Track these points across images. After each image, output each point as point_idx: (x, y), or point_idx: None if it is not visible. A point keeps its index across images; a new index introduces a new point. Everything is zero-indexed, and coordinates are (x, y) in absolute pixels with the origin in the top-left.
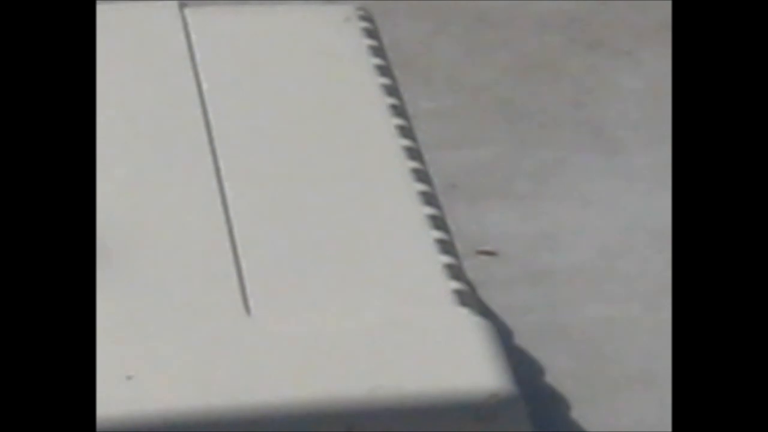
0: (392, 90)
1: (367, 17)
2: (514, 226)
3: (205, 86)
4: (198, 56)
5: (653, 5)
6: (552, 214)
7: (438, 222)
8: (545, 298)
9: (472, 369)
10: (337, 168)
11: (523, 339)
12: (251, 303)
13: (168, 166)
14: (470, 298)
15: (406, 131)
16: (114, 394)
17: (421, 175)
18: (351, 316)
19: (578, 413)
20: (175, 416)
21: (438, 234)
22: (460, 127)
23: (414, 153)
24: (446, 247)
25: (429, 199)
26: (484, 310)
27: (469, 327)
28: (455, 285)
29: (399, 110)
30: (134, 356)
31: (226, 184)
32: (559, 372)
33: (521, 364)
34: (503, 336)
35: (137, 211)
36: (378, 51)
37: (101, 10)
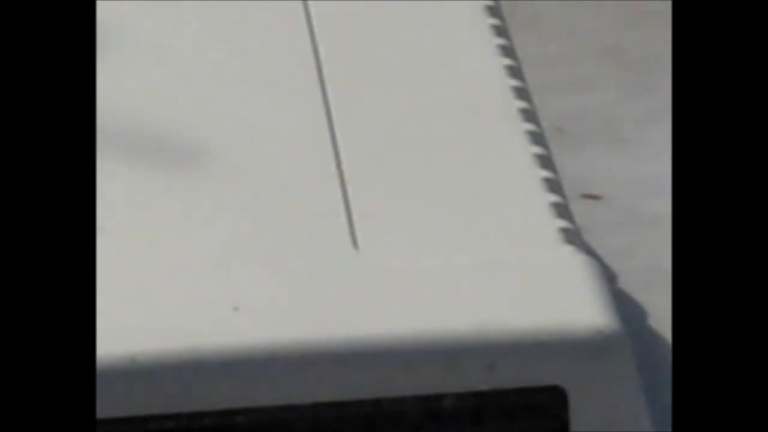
0: (502, 31)
1: None
2: (619, 171)
3: (316, 23)
4: None
5: None
6: (657, 159)
7: (545, 161)
8: (649, 242)
9: (577, 306)
10: (445, 105)
11: (627, 282)
12: (359, 238)
13: (279, 101)
14: (576, 237)
15: (515, 71)
16: (220, 324)
17: (530, 115)
18: (457, 252)
19: None
20: (281, 348)
21: (545, 173)
22: (566, 72)
23: (522, 93)
24: (553, 186)
25: (537, 138)
26: (589, 251)
27: (575, 265)
28: (562, 223)
29: (508, 51)
30: (241, 288)
31: (336, 119)
32: (663, 316)
33: (625, 307)
34: (608, 279)
35: (248, 144)
36: None
37: None
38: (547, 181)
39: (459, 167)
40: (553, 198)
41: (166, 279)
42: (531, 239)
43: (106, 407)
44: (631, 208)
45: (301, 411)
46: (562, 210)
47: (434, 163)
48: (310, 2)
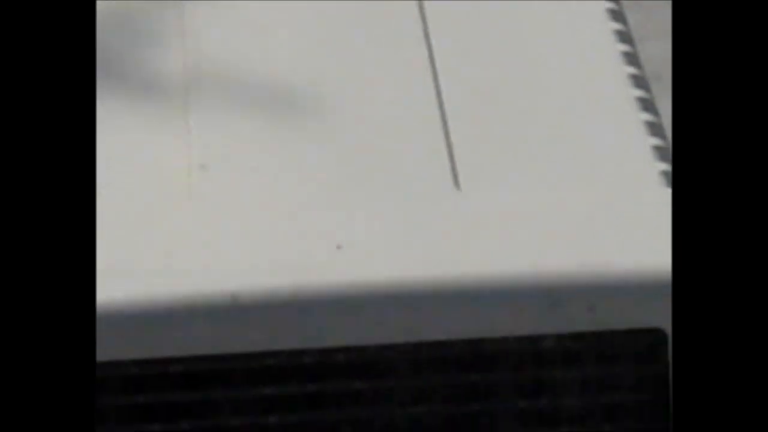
0: None
1: None
2: None
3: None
4: None
5: None
6: None
7: (647, 105)
8: None
9: None
10: (548, 50)
11: None
12: (460, 178)
13: (386, 50)
14: None
15: (616, 15)
16: (324, 262)
17: (632, 59)
18: (559, 194)
19: None
20: (383, 287)
21: (647, 116)
22: (665, 19)
23: (624, 36)
24: (655, 129)
25: (639, 82)
26: None
27: None
28: (663, 166)
29: None
30: (345, 226)
31: (438, 63)
32: None
33: None
34: None
35: (357, 93)
36: None
37: None
38: (649, 124)
39: (562, 110)
40: (655, 141)
41: (270, 217)
42: (633, 182)
43: (207, 344)
44: None
45: (401, 350)
46: (663, 153)
47: (537, 106)
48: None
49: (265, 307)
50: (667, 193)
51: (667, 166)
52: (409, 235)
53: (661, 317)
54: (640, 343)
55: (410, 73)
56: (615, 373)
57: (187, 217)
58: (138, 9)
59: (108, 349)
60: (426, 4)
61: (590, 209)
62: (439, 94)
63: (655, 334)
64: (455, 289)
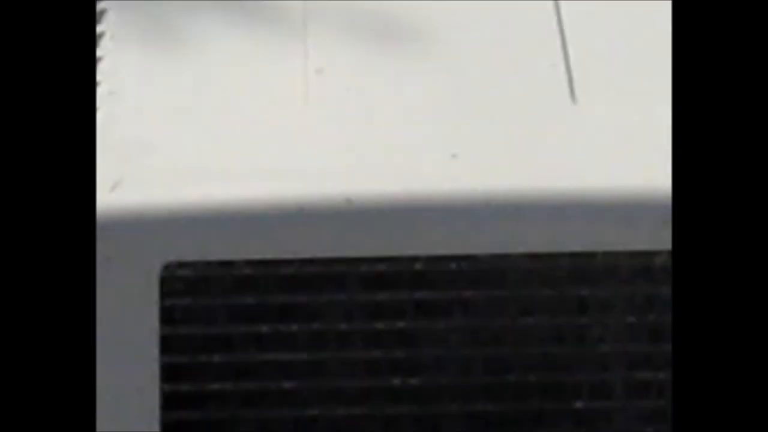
0: None
1: None
2: None
3: None
4: None
5: None
6: None
7: None
8: None
9: None
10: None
11: None
12: (577, 91)
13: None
14: None
15: None
16: (439, 170)
17: None
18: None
19: None
20: (497, 196)
21: None
22: None
23: None
24: None
25: None
26: None
27: None
28: None
29: None
30: (460, 136)
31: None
32: None
33: None
34: None
35: (473, 7)
36: None
37: None
38: None
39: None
40: None
41: (385, 123)
42: None
43: (319, 247)
44: None
45: (513, 260)
46: None
47: (650, 25)
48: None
49: (378, 213)
50: None
51: None
52: (524, 146)
53: None
54: None
55: (534, 6)
56: None
57: (302, 121)
58: None
59: (220, 249)
60: None
61: None
62: (558, 8)
63: None
64: (568, 201)
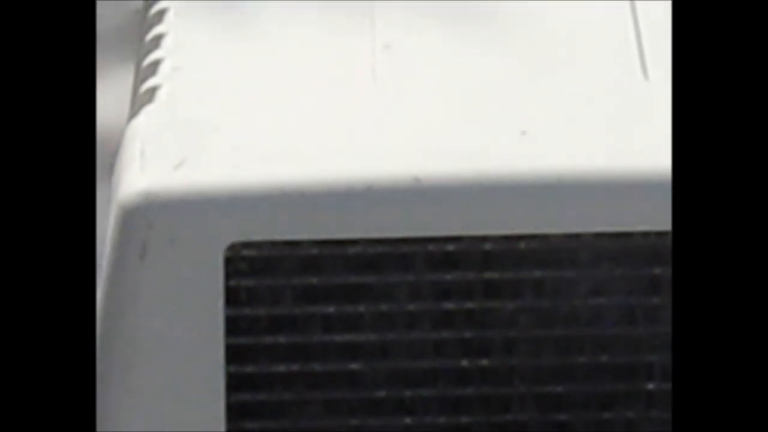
0: None
1: None
2: None
3: None
4: None
5: None
6: None
7: None
8: None
9: None
10: None
11: None
12: (649, 68)
13: None
14: None
15: None
16: (508, 148)
17: None
18: None
19: None
20: (566, 175)
21: None
22: None
23: None
24: None
25: None
26: None
27: None
28: None
29: None
30: (529, 113)
31: None
32: None
33: None
34: None
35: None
36: None
37: None
38: None
39: None
40: None
41: (454, 100)
42: None
43: (386, 226)
44: None
45: (584, 239)
46: None
47: None
48: None
49: (447, 192)
50: None
51: None
52: (595, 123)
53: None
54: None
55: None
56: None
57: (370, 98)
58: None
59: (285, 228)
60: None
61: None
62: None
63: None
64: (640, 180)
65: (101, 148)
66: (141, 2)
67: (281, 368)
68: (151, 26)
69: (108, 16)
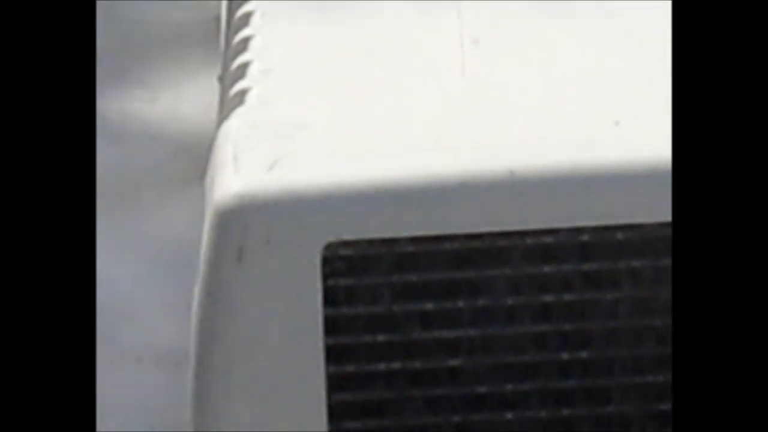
0: None
1: None
2: None
3: None
4: None
5: None
6: None
7: None
8: None
9: None
10: None
11: None
12: None
13: None
14: None
15: None
16: (602, 139)
17: None
18: None
19: None
20: (661, 162)
21: None
22: None
23: None
24: None
25: None
26: None
27: None
28: None
29: None
30: (622, 103)
31: None
32: None
33: None
34: None
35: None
36: None
37: None
38: None
39: None
40: None
41: (544, 92)
42: None
43: (482, 221)
44: None
45: None
46: None
47: None
48: None
49: (542, 184)
50: None
51: None
52: None
53: None
54: None
55: None
56: None
57: (461, 93)
58: None
59: (382, 226)
60: None
61: None
62: None
63: None
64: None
65: (187, 152)
66: (221, 5)
67: (381, 367)
68: (237, 29)
69: (186, 23)
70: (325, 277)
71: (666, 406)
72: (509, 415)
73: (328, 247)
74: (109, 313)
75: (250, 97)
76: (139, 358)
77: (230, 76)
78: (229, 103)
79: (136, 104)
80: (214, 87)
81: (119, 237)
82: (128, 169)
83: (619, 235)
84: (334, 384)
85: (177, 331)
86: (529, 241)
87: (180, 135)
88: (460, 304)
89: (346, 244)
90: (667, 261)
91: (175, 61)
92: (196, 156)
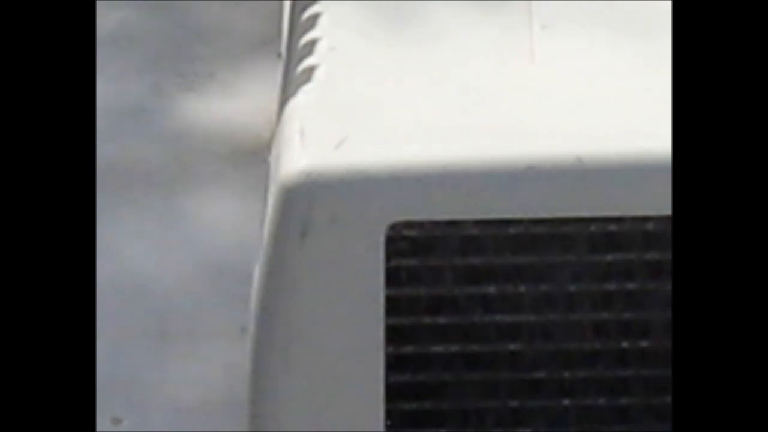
0: None
1: None
2: None
3: None
4: None
5: None
6: None
7: None
8: None
9: None
10: None
11: None
12: None
13: None
14: None
15: None
16: (670, 129)
17: None
18: None
19: None
20: None
21: None
22: None
23: None
24: None
25: None
26: None
27: None
28: None
29: None
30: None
31: None
32: None
33: None
34: None
35: None
36: None
37: None
38: None
39: None
40: None
41: (614, 79)
42: None
43: (548, 206)
44: None
45: None
46: None
47: None
48: None
49: (609, 172)
50: None
51: None
52: None
53: None
54: None
55: None
56: None
57: (530, 78)
58: None
59: (446, 208)
60: None
61: None
62: None
63: None
64: None
65: (243, 128)
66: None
67: (441, 349)
68: (305, 6)
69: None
70: (389, 257)
71: None
72: (566, 402)
73: (393, 227)
74: (161, 289)
75: (317, 75)
76: (190, 332)
77: (297, 53)
78: (296, 80)
79: (193, 79)
80: (274, 63)
81: (175, 213)
82: (184, 144)
83: None
84: (393, 364)
85: (231, 308)
86: (593, 228)
87: (237, 111)
88: (522, 289)
89: (410, 224)
90: None
91: (233, 37)
92: (252, 132)
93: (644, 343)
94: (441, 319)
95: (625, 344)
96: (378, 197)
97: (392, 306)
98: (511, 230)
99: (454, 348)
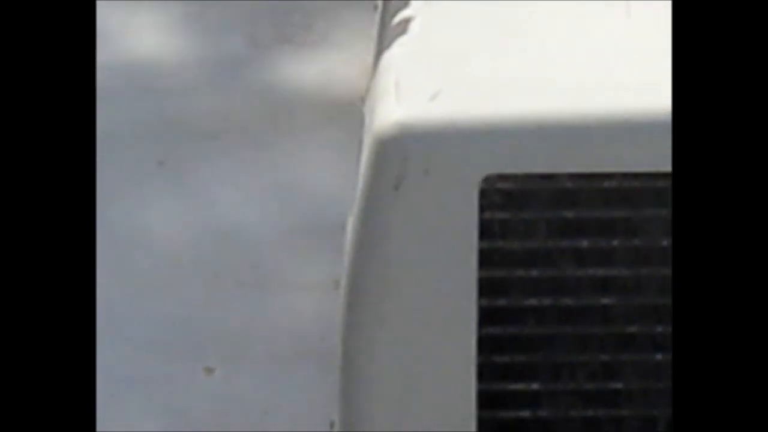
0: None
1: None
2: None
3: None
4: None
5: None
6: None
7: None
8: None
9: None
10: None
11: None
12: None
13: None
14: None
15: None
16: None
17: None
18: None
19: None
20: None
21: None
22: None
23: None
24: None
25: None
26: None
27: None
28: None
29: None
30: None
31: None
32: None
33: None
34: None
35: None
36: None
37: None
38: None
39: None
40: None
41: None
42: None
43: (643, 160)
44: None
45: None
46: None
47: None
48: None
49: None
50: None
51: None
52: None
53: None
54: None
55: None
56: None
57: (625, 34)
58: None
59: (540, 161)
60: None
61: None
62: None
63: None
64: None
65: (340, 79)
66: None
67: (533, 302)
68: None
69: None
70: (482, 209)
71: None
72: (658, 356)
73: (486, 179)
74: (255, 239)
75: (413, 27)
76: (284, 283)
77: (393, 5)
78: (391, 32)
79: (290, 29)
80: (370, 15)
81: (270, 164)
82: (280, 96)
83: None
84: (485, 317)
85: (325, 260)
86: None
87: (332, 63)
88: (615, 243)
89: (504, 177)
90: None
91: None
92: (347, 84)
93: None
94: (533, 273)
95: None
96: (472, 150)
97: (485, 259)
98: (605, 184)
99: (546, 301)
